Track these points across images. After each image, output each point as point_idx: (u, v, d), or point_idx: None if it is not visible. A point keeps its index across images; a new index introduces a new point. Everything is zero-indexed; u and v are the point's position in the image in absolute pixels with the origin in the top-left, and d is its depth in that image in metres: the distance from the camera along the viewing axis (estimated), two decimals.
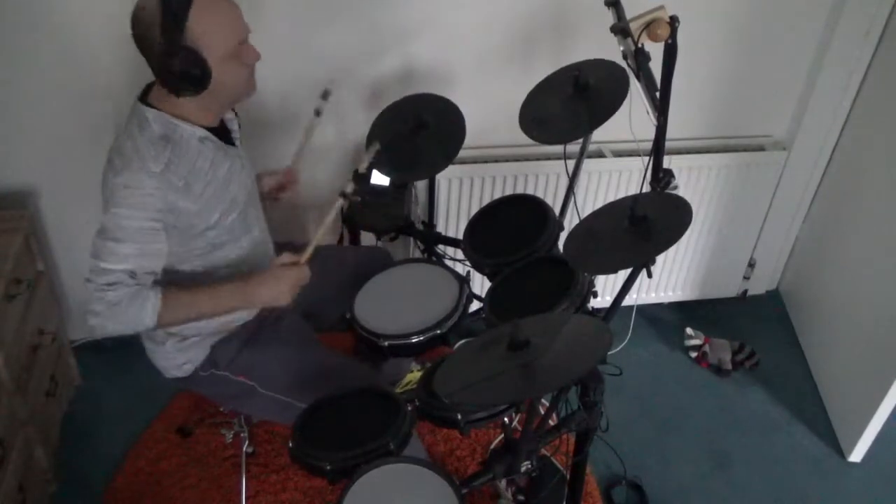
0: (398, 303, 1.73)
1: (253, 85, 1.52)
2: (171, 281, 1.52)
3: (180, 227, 1.46)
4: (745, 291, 2.84)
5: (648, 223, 1.46)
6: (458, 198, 2.33)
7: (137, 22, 1.38)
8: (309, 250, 1.60)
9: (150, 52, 1.38)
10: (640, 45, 1.54)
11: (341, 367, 1.74)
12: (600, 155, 2.37)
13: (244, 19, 1.45)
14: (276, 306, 1.58)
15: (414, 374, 2.22)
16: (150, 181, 1.39)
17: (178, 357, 1.65)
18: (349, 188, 1.63)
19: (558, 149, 2.05)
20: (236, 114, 1.68)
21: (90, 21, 1.87)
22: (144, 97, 1.48)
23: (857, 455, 2.28)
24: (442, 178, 2.26)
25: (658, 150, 1.67)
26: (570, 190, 2.08)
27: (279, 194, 1.87)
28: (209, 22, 1.37)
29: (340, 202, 1.63)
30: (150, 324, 1.42)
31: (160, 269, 1.46)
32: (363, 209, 2.09)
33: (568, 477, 1.81)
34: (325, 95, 1.79)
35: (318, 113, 1.81)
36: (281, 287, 1.54)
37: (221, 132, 1.56)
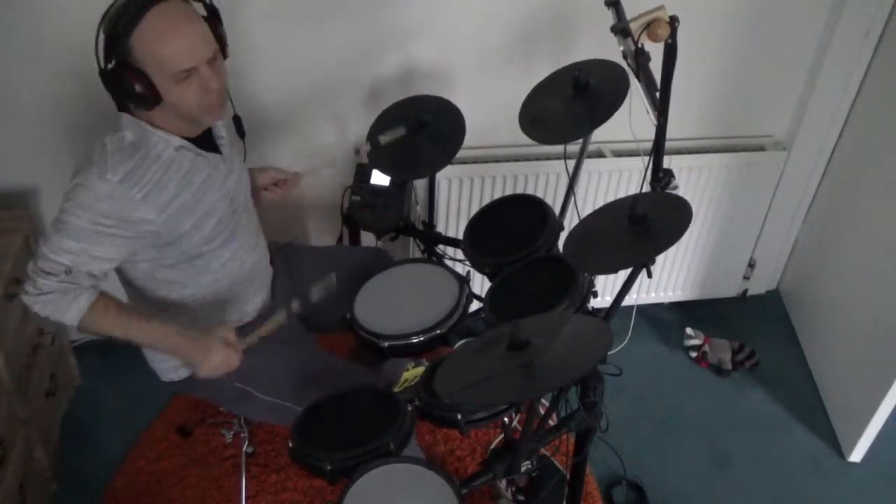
0: (398, 303, 1.73)
1: (216, 109, 1.46)
2: (139, 294, 1.55)
3: (141, 236, 1.45)
4: (745, 291, 2.84)
5: (648, 223, 1.46)
6: (458, 198, 2.33)
7: (99, 28, 1.36)
8: (248, 341, 1.57)
9: (98, 62, 1.37)
10: (640, 45, 1.54)
11: (338, 370, 1.74)
12: (600, 155, 2.37)
13: (207, 42, 1.39)
14: (190, 369, 1.58)
15: (410, 372, 2.21)
16: (103, 187, 1.38)
17: (173, 360, 1.64)
18: (281, 317, 1.63)
19: (558, 149, 2.05)
20: (239, 121, 1.65)
21: (90, 21, 1.87)
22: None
23: (857, 455, 2.28)
24: (442, 178, 2.26)
25: (658, 150, 1.67)
26: (570, 190, 2.08)
27: (274, 189, 1.86)
28: (153, 44, 1.33)
29: (283, 316, 1.62)
30: (71, 322, 1.42)
31: (101, 272, 1.44)
32: (363, 209, 2.09)
33: (568, 477, 1.81)
34: (375, 145, 1.82)
35: (358, 151, 1.81)
36: (209, 359, 1.51)
37: (205, 139, 1.54)
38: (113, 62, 1.35)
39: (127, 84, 1.35)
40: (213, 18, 1.45)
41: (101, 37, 1.34)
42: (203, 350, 1.51)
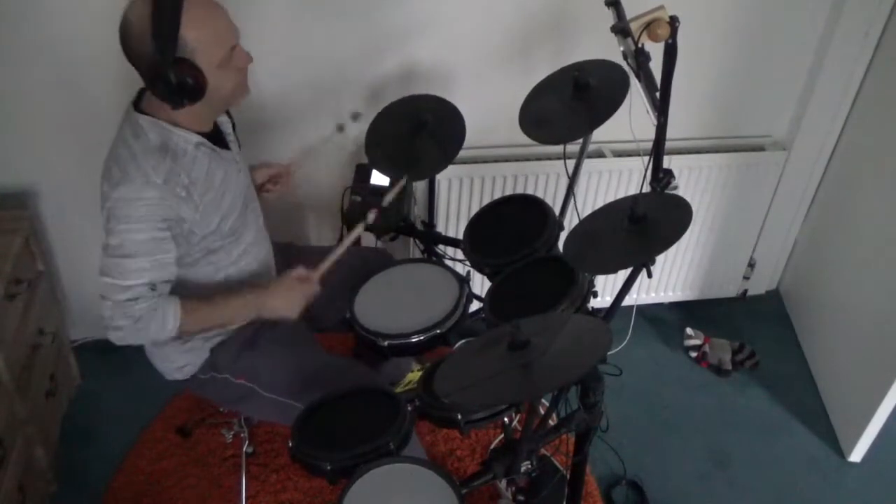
0: (398, 303, 1.73)
1: (246, 88, 1.51)
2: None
3: (185, 235, 1.46)
4: (745, 291, 2.84)
5: (648, 223, 1.46)
6: (458, 198, 2.33)
7: (127, 35, 1.35)
8: (323, 267, 1.64)
9: (141, 64, 1.35)
10: (640, 45, 1.54)
11: (341, 367, 1.74)
12: (600, 155, 2.37)
13: (233, 21, 1.43)
14: (282, 318, 1.60)
15: (414, 374, 2.22)
16: (152, 192, 1.38)
17: (178, 359, 1.65)
18: (371, 217, 1.68)
19: (558, 149, 2.05)
20: (229, 115, 1.67)
21: (91, 21, 1.87)
22: (138, 103, 1.46)
23: (857, 455, 2.28)
24: (442, 178, 2.26)
25: (658, 150, 1.67)
26: (570, 190, 2.08)
27: (271, 187, 1.86)
28: (202, 31, 1.34)
29: (362, 227, 1.66)
30: (173, 332, 1.45)
31: (174, 276, 1.46)
32: (363, 209, 2.09)
33: (568, 477, 1.81)
34: (356, 117, 1.80)
35: (340, 128, 1.82)
36: (292, 301, 1.58)
37: (215, 136, 1.56)
38: (167, 59, 1.32)
39: (185, 79, 1.33)
40: None
41: (149, 32, 1.30)
42: (286, 294, 1.58)
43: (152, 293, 1.41)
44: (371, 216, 1.64)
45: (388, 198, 1.69)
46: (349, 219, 2.15)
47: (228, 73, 1.42)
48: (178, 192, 1.41)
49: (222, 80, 1.41)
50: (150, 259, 1.39)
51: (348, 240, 1.63)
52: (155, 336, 1.44)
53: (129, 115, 1.44)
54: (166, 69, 1.32)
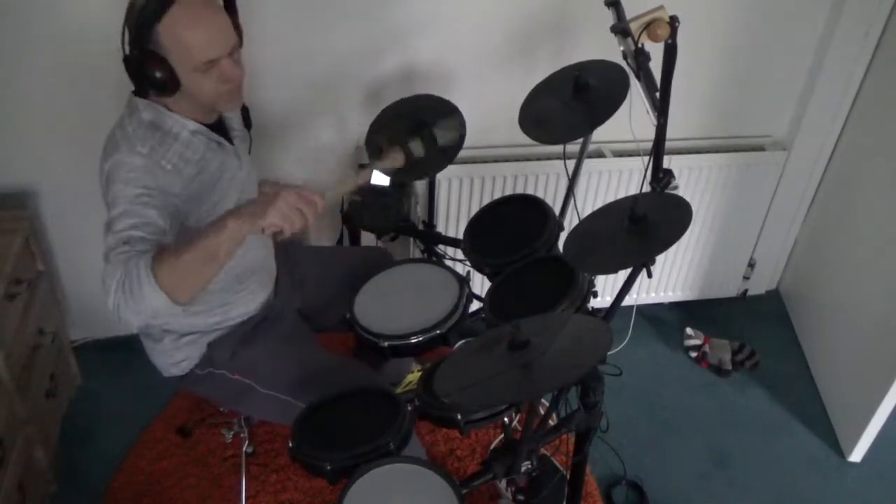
0: (398, 303, 1.73)
1: (237, 98, 1.49)
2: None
3: (172, 212, 1.41)
4: (745, 291, 2.84)
5: (648, 223, 1.46)
6: (458, 198, 2.33)
7: (127, 16, 1.39)
8: (329, 193, 1.45)
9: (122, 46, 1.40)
10: (640, 45, 1.54)
11: (341, 365, 1.74)
12: (600, 155, 2.37)
13: (229, 35, 1.41)
14: (272, 226, 1.33)
15: (415, 375, 2.22)
16: (137, 160, 1.38)
17: (175, 354, 1.65)
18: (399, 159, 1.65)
19: (558, 149, 2.05)
20: (247, 117, 1.66)
21: (91, 21, 1.87)
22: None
23: (857, 455, 2.28)
24: (442, 178, 2.26)
25: (658, 150, 1.67)
26: (570, 190, 2.08)
27: None
28: (181, 32, 1.35)
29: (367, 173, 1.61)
30: (152, 288, 1.27)
31: (156, 237, 1.34)
32: (363, 209, 2.09)
33: (568, 477, 1.81)
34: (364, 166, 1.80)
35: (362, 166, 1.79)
36: (291, 208, 1.32)
37: (219, 127, 1.56)
38: (137, 48, 1.37)
39: (148, 70, 1.37)
40: (231, 9, 1.46)
41: (128, 24, 1.36)
42: (277, 199, 1.32)
43: (125, 247, 1.30)
44: (366, 174, 1.60)
45: (415, 145, 1.67)
46: (349, 219, 2.16)
47: (206, 80, 1.41)
48: (163, 165, 1.41)
49: (199, 85, 1.41)
50: (131, 211, 1.33)
51: (347, 183, 1.56)
52: (137, 292, 1.27)
53: (129, 100, 1.47)
54: (134, 58, 1.37)
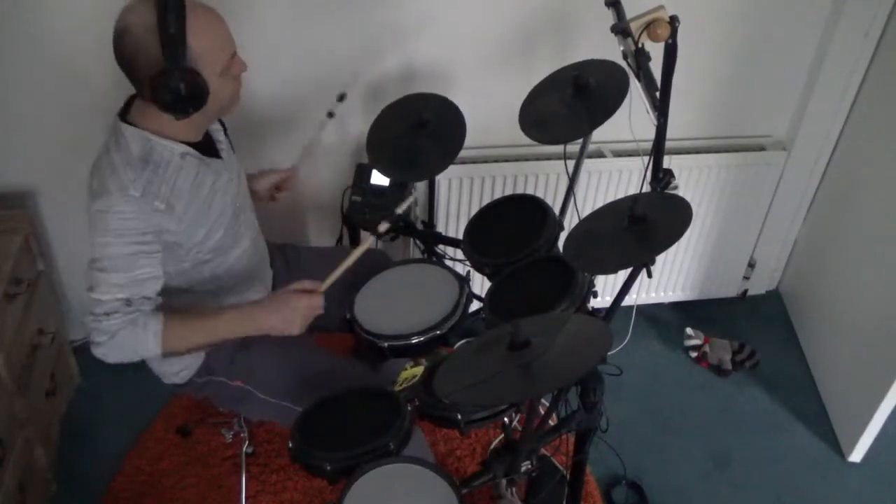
0: (398, 303, 1.73)
1: (239, 97, 1.49)
2: (168, 304, 1.47)
3: (169, 248, 1.44)
4: (745, 291, 2.84)
5: (648, 223, 1.46)
6: (458, 198, 2.33)
7: (124, 46, 1.33)
8: (329, 280, 1.56)
9: (139, 73, 1.33)
10: (640, 45, 1.54)
11: (339, 369, 1.74)
12: (600, 155, 2.37)
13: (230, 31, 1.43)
14: (282, 334, 1.50)
15: (408, 371, 2.21)
16: (128, 206, 1.35)
17: (173, 364, 1.64)
18: (383, 227, 1.62)
19: (558, 149, 2.05)
20: (222, 123, 1.65)
21: (91, 21, 1.87)
22: (125, 113, 1.44)
23: (857, 455, 2.28)
24: (442, 178, 2.26)
25: (658, 150, 1.67)
26: (570, 190, 2.08)
27: (277, 193, 1.87)
28: (205, 39, 1.34)
29: (372, 240, 1.61)
30: (155, 349, 1.39)
31: (155, 293, 1.41)
32: (363, 209, 2.09)
33: (568, 477, 1.81)
34: (341, 98, 1.78)
35: (330, 115, 1.80)
36: (294, 315, 1.48)
37: (206, 145, 1.53)
38: (175, 69, 1.30)
39: (189, 87, 1.32)
40: None
41: (155, 42, 1.29)
42: (287, 310, 1.47)
43: (128, 308, 1.35)
44: (383, 227, 1.61)
45: (402, 208, 1.66)
46: (349, 219, 2.16)
47: (227, 82, 1.42)
48: (156, 206, 1.38)
49: (222, 89, 1.41)
50: (124, 275, 1.35)
51: (358, 251, 1.56)
52: (135, 353, 1.38)
53: (115, 126, 1.42)
54: (175, 78, 1.30)
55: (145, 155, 1.40)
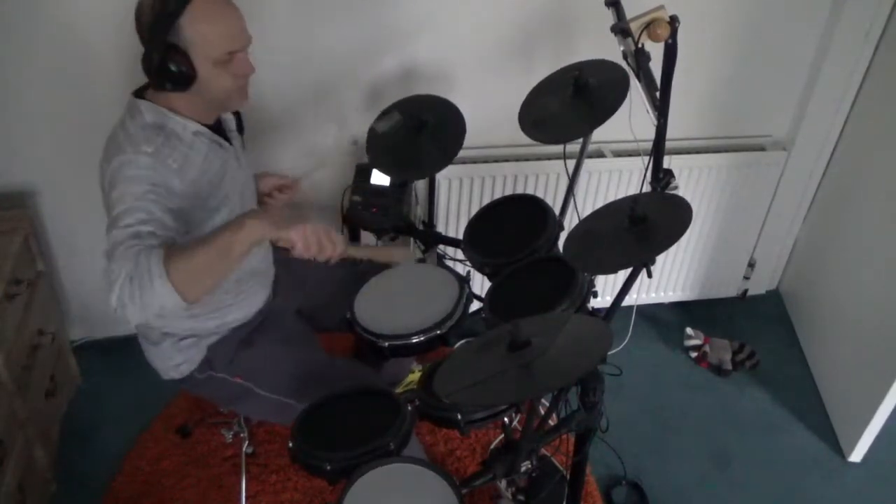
0: (398, 303, 1.73)
1: (245, 95, 1.52)
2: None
3: (175, 213, 1.40)
4: (745, 291, 2.84)
5: (648, 223, 1.46)
6: (458, 198, 2.33)
7: (138, 12, 1.40)
8: (362, 250, 1.53)
9: (142, 42, 1.40)
10: (640, 45, 1.54)
11: (340, 367, 1.74)
12: (600, 155, 2.37)
13: (246, 30, 1.45)
14: (260, 235, 1.35)
15: (415, 375, 2.22)
16: (144, 159, 1.38)
17: (174, 357, 1.64)
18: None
19: (558, 149, 2.05)
20: (240, 119, 1.67)
21: (91, 21, 1.87)
22: (140, 93, 1.48)
23: (857, 455, 2.28)
24: (442, 178, 2.26)
25: (658, 150, 1.67)
26: (570, 190, 2.08)
27: (277, 195, 1.87)
28: (203, 26, 1.37)
29: (413, 256, 1.62)
30: (163, 285, 1.26)
31: (163, 234, 1.33)
32: (363, 209, 2.09)
33: (568, 477, 1.81)
34: (355, 143, 1.80)
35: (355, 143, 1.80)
36: (278, 217, 1.37)
37: (217, 130, 1.56)
38: (157, 42, 1.37)
39: (170, 63, 1.37)
40: None
41: (145, 17, 1.37)
42: (300, 218, 1.38)
43: (134, 241, 1.28)
44: (405, 252, 1.61)
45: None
46: (349, 219, 2.16)
47: (224, 74, 1.43)
48: (169, 164, 1.41)
49: (216, 79, 1.42)
50: (135, 216, 1.31)
51: (395, 254, 1.59)
52: (146, 290, 1.25)
53: (130, 102, 1.47)
54: (156, 51, 1.37)
55: (158, 123, 1.44)
